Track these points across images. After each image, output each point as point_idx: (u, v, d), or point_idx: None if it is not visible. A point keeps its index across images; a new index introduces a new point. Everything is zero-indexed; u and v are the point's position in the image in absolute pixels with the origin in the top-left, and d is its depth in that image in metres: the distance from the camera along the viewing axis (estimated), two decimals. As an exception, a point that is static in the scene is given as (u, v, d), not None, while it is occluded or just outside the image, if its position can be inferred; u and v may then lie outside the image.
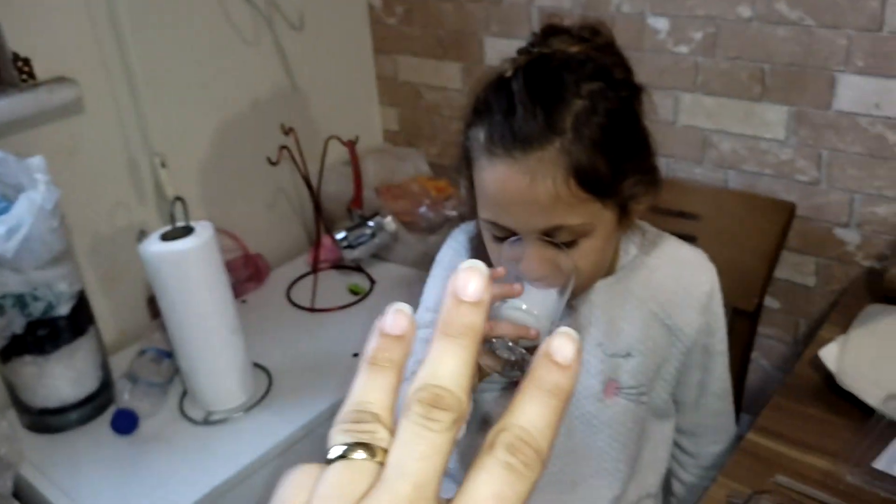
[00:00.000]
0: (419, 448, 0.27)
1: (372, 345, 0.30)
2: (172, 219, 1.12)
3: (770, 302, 1.46)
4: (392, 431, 0.28)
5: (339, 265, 1.64)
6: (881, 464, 0.85)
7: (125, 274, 1.42)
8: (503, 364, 0.80)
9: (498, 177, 0.80)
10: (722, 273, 1.00)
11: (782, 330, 1.48)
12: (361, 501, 0.26)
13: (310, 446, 1.19)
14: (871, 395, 0.96)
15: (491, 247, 0.88)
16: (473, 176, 0.85)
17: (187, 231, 1.12)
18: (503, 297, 0.78)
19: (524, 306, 0.78)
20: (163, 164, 1.41)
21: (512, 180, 0.79)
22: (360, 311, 1.48)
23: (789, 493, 0.85)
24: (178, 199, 1.14)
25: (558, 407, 0.28)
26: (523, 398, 0.29)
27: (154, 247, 1.09)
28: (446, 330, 0.29)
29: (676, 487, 1.13)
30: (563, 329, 0.30)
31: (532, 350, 0.80)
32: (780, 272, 1.41)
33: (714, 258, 1.00)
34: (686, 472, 1.12)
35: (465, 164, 0.87)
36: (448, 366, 0.28)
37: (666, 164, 1.44)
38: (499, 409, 0.97)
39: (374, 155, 1.77)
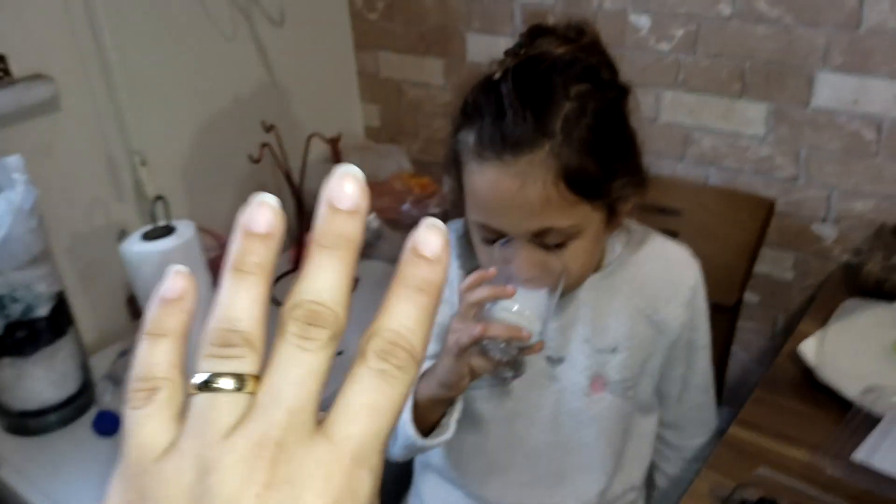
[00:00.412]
0: (294, 371, 0.25)
1: (235, 247, 0.27)
2: (153, 218, 1.11)
3: (749, 296, 1.47)
4: (262, 349, 0.26)
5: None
6: (860, 456, 0.86)
7: (104, 274, 1.40)
8: (494, 364, 0.80)
9: (488, 180, 0.81)
10: (703, 268, 1.01)
11: (761, 324, 1.50)
12: (234, 432, 0.25)
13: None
14: (849, 388, 0.97)
15: (481, 248, 0.88)
16: (463, 178, 0.85)
17: (168, 230, 1.11)
18: (495, 299, 0.79)
19: (515, 307, 0.79)
20: (142, 163, 1.39)
21: (502, 183, 0.79)
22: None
23: (771, 485, 0.86)
24: (159, 198, 1.13)
25: (428, 304, 0.27)
26: (391, 299, 0.27)
27: (135, 247, 1.08)
28: (321, 241, 0.27)
29: (659, 480, 1.14)
30: (429, 220, 0.28)
31: (524, 350, 0.81)
32: (760, 267, 1.43)
33: (695, 254, 1.01)
34: (669, 464, 1.13)
35: (454, 166, 0.87)
36: (324, 280, 0.26)
37: (647, 161, 1.45)
38: (489, 407, 0.98)
39: (356, 152, 1.77)
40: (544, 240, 0.82)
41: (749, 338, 1.52)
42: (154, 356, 0.27)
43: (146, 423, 0.26)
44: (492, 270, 0.80)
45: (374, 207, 1.56)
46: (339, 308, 0.26)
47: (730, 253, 1.26)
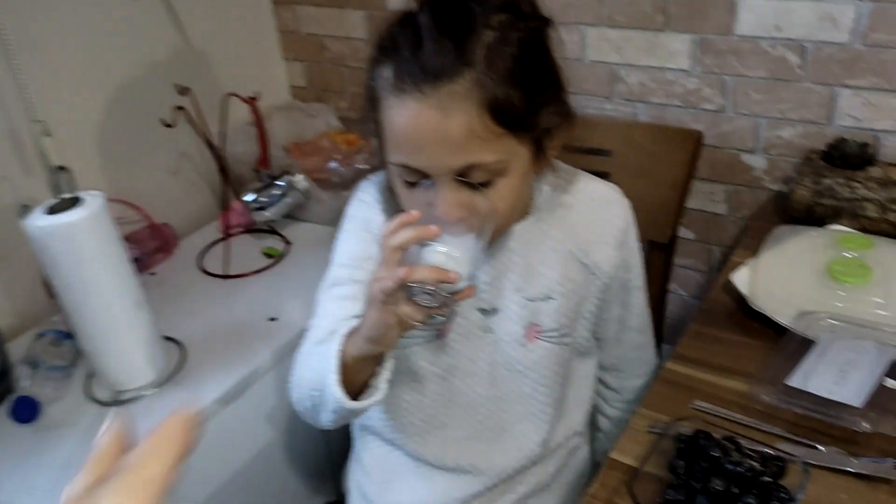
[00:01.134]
0: None
1: None
2: (58, 190, 1.04)
3: (684, 233, 1.47)
4: None
5: (252, 229, 1.57)
6: (794, 381, 0.86)
7: (15, 253, 1.32)
8: (424, 313, 0.76)
9: (407, 114, 0.76)
10: (636, 207, 0.99)
11: (697, 259, 1.50)
12: None
13: (228, 418, 1.14)
14: (782, 314, 0.97)
15: (403, 193, 0.85)
16: (381, 118, 0.81)
17: (76, 202, 1.04)
18: (418, 241, 0.75)
19: (442, 249, 0.75)
20: (46, 133, 1.30)
21: (422, 116, 0.75)
22: (277, 274, 1.43)
23: (708, 417, 0.86)
24: (62, 168, 1.06)
25: None
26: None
27: (39, 221, 1.01)
28: None
29: (602, 423, 1.14)
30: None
31: (455, 295, 0.77)
32: (693, 202, 1.42)
33: (627, 193, 0.99)
34: (611, 406, 1.13)
35: (371, 106, 0.82)
36: None
37: (576, 102, 1.42)
38: (424, 363, 0.95)
39: (282, 112, 1.70)
40: (469, 178, 0.78)
41: (686, 274, 1.52)
42: None
43: None
44: (414, 213, 0.76)
45: (302, 168, 1.51)
46: None
47: (662, 189, 1.25)
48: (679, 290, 1.54)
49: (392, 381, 0.92)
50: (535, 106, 0.80)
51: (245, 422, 1.21)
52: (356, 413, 0.87)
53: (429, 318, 0.78)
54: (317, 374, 0.86)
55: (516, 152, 0.80)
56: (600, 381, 1.11)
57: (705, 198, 1.42)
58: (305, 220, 1.58)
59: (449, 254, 0.75)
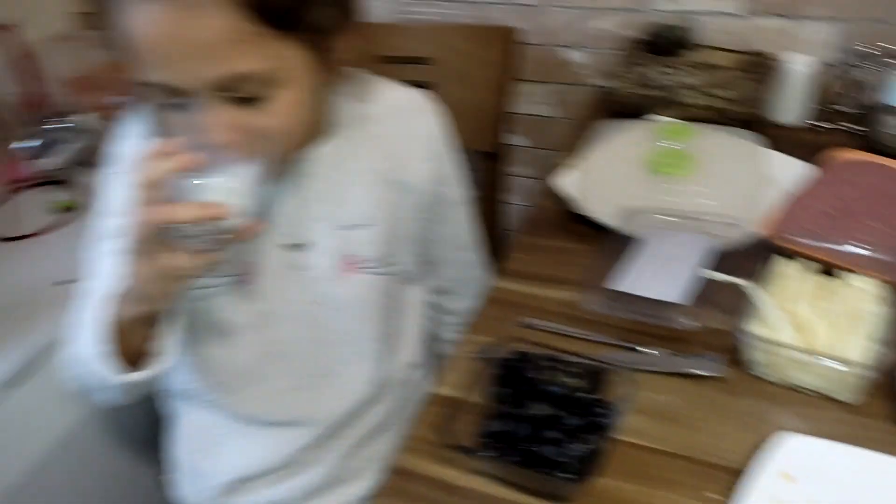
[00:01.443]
0: None
1: None
2: None
3: (517, 140, 1.41)
4: None
5: (44, 182, 1.38)
6: (618, 284, 0.81)
7: None
8: (199, 259, 0.65)
9: (145, 18, 0.62)
10: (458, 115, 0.91)
11: (532, 167, 1.45)
12: None
13: (23, 400, 1.00)
14: (606, 214, 0.92)
15: (163, 118, 0.71)
16: (116, 24, 0.65)
17: None
18: (179, 173, 0.62)
19: (212, 181, 0.63)
20: None
21: (164, 19, 0.62)
22: (74, 230, 1.26)
23: (535, 334, 0.80)
24: None
25: None
26: None
27: None
28: None
29: (444, 350, 1.08)
30: None
31: (238, 234, 0.65)
32: (521, 106, 1.36)
33: (449, 100, 0.91)
34: (450, 331, 1.06)
35: (101, 9, 0.66)
36: None
37: (393, 7, 1.30)
38: (230, 314, 0.84)
39: (59, 43, 1.48)
40: (237, 92, 0.66)
41: (524, 183, 1.47)
42: None
43: None
44: (172, 140, 0.63)
45: (87, 105, 1.32)
46: None
47: (483, 94, 1.17)
48: (519, 202, 1.49)
49: (196, 339, 0.82)
50: (303, 0, 0.67)
51: (46, 401, 1.06)
52: (144, 386, 0.75)
53: (206, 264, 0.66)
54: (85, 347, 0.73)
55: (289, 57, 0.68)
56: (435, 306, 1.04)
57: (532, 101, 1.36)
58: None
59: (221, 186, 0.63)
